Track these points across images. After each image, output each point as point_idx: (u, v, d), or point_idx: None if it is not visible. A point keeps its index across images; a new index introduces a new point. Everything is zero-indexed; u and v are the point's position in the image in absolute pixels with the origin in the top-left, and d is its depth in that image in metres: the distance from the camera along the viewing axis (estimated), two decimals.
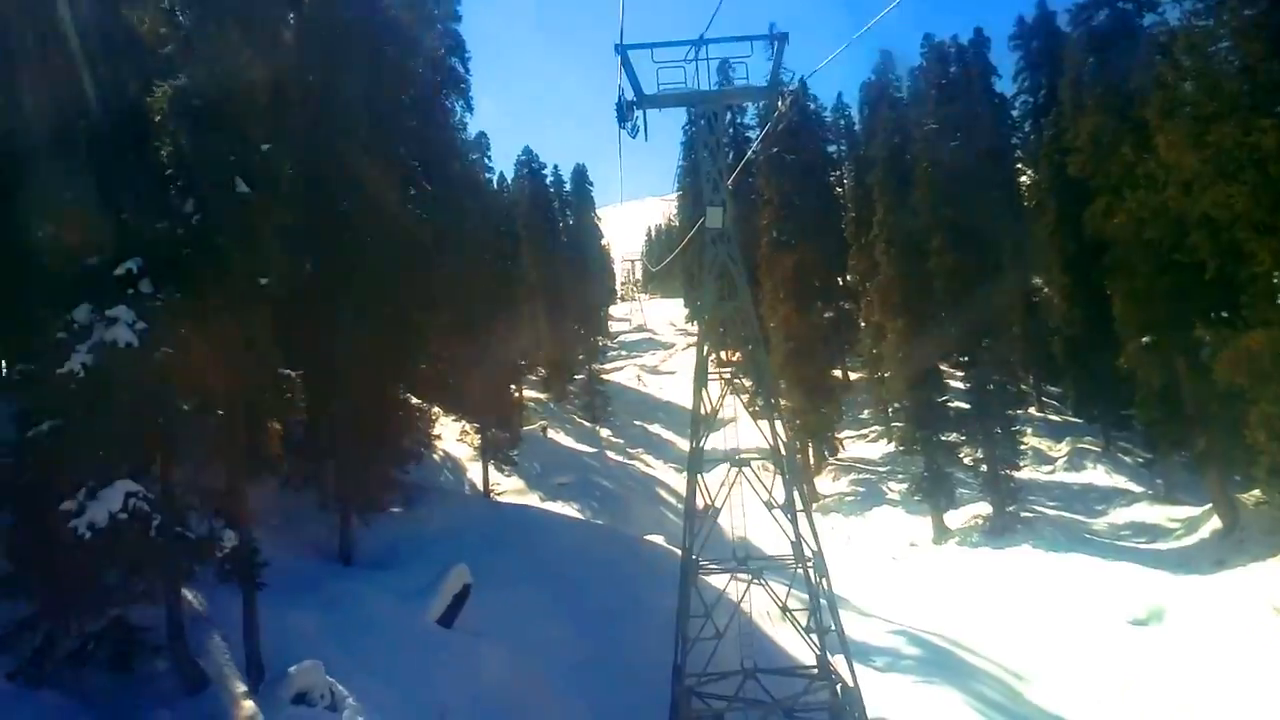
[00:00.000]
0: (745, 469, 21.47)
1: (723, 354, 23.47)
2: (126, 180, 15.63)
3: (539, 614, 22.04)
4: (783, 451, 20.96)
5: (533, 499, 36.22)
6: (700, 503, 21.59)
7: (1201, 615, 32.05)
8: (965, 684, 25.61)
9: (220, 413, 15.42)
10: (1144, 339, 41.72)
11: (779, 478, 21.45)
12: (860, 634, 29.44)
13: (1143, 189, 31.50)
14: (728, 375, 22.27)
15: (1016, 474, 43.17)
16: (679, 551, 29.53)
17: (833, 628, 20.24)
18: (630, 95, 19.99)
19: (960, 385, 49.60)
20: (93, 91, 16.40)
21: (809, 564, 20.31)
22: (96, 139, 16.08)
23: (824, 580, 20.30)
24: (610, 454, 59.11)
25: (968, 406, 45.03)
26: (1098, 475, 48.10)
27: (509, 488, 35.86)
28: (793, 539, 20.55)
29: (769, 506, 20.82)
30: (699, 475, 21.14)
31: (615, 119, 20.15)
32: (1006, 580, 37.17)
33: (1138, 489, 46.05)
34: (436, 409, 32.02)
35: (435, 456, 36.21)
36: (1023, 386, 45.23)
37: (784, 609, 20.91)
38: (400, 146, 28.34)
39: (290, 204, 18.80)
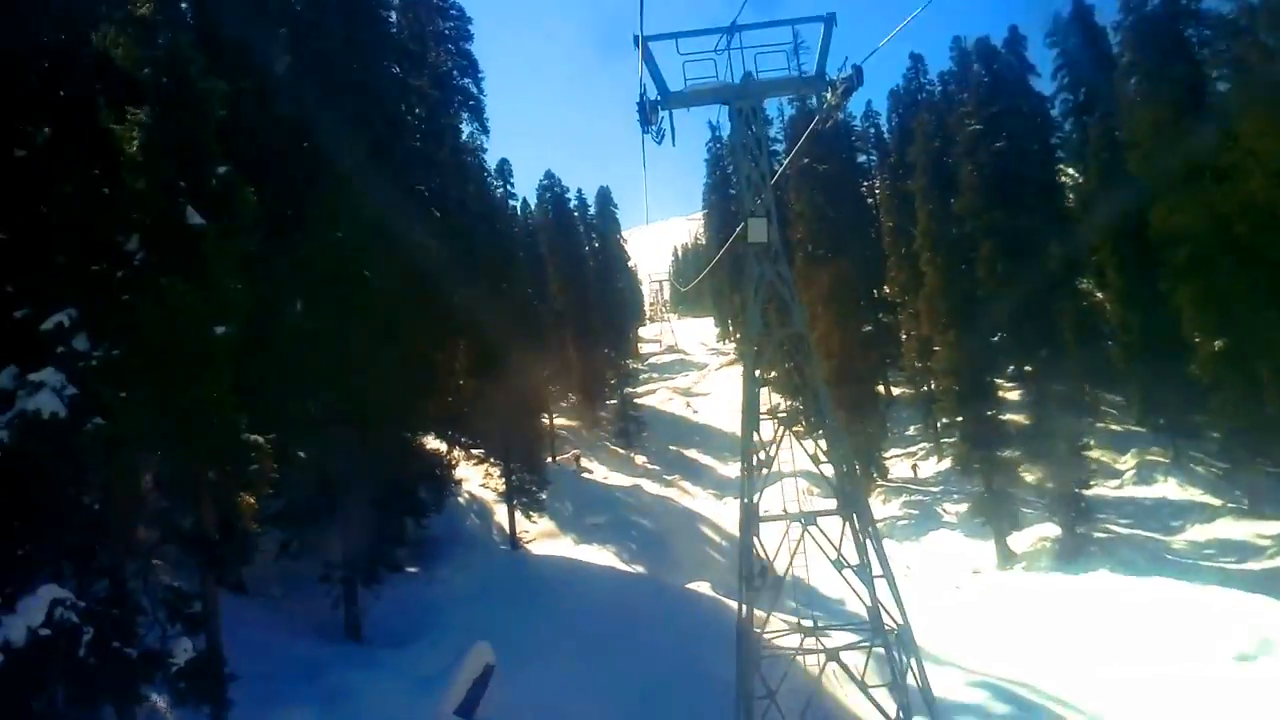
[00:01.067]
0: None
1: (769, 383, 20.24)
2: (63, 215, 12.91)
3: (573, 692, 18.93)
4: (855, 504, 17.69)
5: (565, 543, 33.12)
6: (757, 558, 18.38)
7: None
8: None
9: (173, 492, 12.56)
10: (1217, 343, 38.30)
11: (846, 526, 18.16)
12: (937, 686, 26.01)
13: (1228, 180, 28.04)
14: (783, 415, 18.98)
15: (1085, 491, 39.52)
16: (730, 602, 26.33)
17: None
18: (654, 94, 17.01)
19: (1016, 398, 46.12)
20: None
21: (894, 636, 16.99)
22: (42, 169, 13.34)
23: (912, 659, 16.93)
24: (647, 485, 55.96)
25: (1027, 422, 41.56)
26: (1170, 489, 44.22)
27: (539, 531, 32.85)
28: (869, 604, 17.24)
29: (839, 566, 17.47)
30: (755, 536, 17.88)
31: (638, 123, 17.20)
32: (1087, 611, 33.48)
33: (1216, 502, 42.17)
34: (458, 451, 29.12)
35: (460, 499, 33.30)
36: (1085, 398, 41.63)
37: (861, 686, 17.48)
38: (406, 169, 25.62)
39: (264, 235, 16.03)
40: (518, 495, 28.84)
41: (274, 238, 17.66)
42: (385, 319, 21.44)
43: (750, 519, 17.48)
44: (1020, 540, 41.11)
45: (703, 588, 26.64)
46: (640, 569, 30.92)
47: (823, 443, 18.35)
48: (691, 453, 64.92)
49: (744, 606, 17.91)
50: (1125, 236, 44.18)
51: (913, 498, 49.49)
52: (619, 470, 61.86)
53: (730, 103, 16.81)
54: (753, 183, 16.82)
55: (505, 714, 17.29)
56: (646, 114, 16.96)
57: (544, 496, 29.68)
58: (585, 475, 61.09)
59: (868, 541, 17.15)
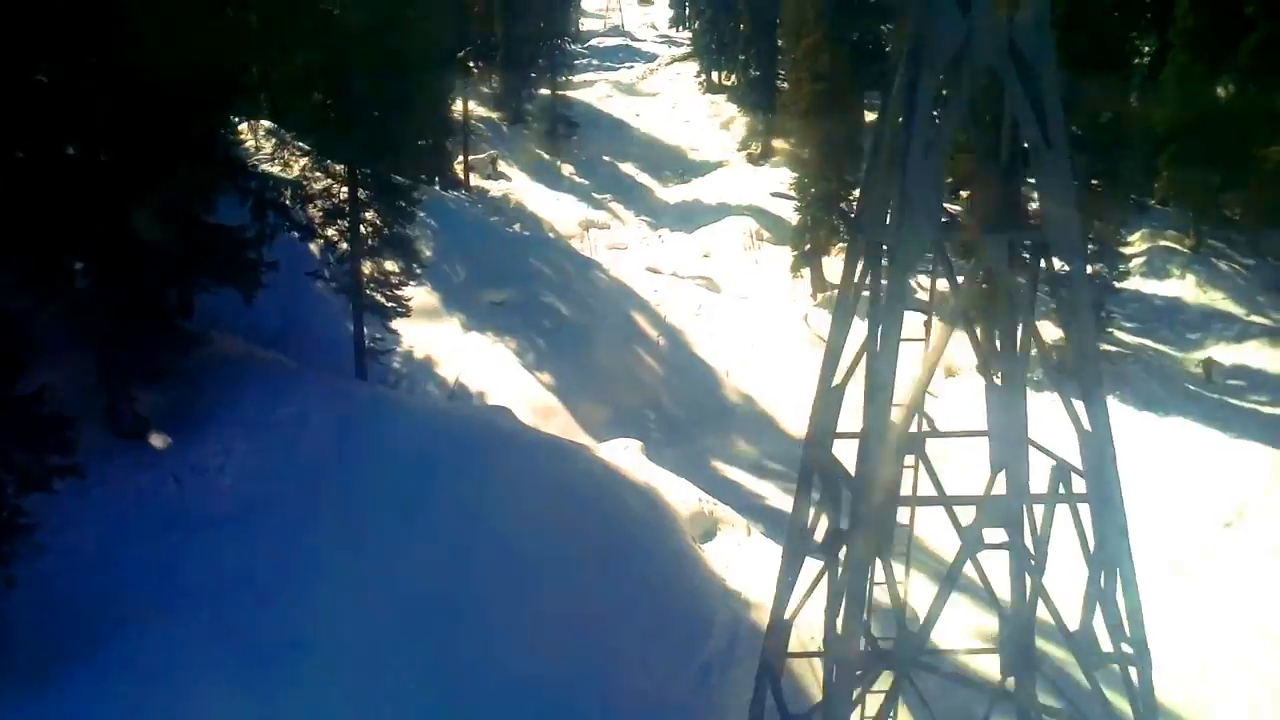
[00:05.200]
0: None
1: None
2: None
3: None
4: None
5: (450, 330, 23.29)
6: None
7: None
8: None
9: None
10: None
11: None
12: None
13: None
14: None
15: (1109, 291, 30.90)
16: (674, 499, 16.70)
17: None
18: None
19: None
20: None
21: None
22: None
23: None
24: (571, 208, 45.73)
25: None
26: (1187, 289, 35.83)
27: (417, 307, 22.94)
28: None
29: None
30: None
31: None
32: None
33: (1241, 312, 34.18)
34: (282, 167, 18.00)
35: (313, 247, 22.74)
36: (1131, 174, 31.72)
37: None
38: None
39: None
40: (372, 289, 18.25)
41: None
42: None
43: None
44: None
45: (629, 455, 17.52)
46: (547, 383, 21.71)
47: None
48: (628, 167, 53.95)
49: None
50: None
51: (884, 262, 40.35)
52: (540, 180, 51.16)
53: None
54: None
55: None
56: None
57: (407, 292, 19.22)
58: (501, 179, 50.56)
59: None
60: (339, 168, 17.68)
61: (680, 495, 16.13)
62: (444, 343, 22.73)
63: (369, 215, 18.05)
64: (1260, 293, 35.19)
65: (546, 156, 54.26)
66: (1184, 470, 25.19)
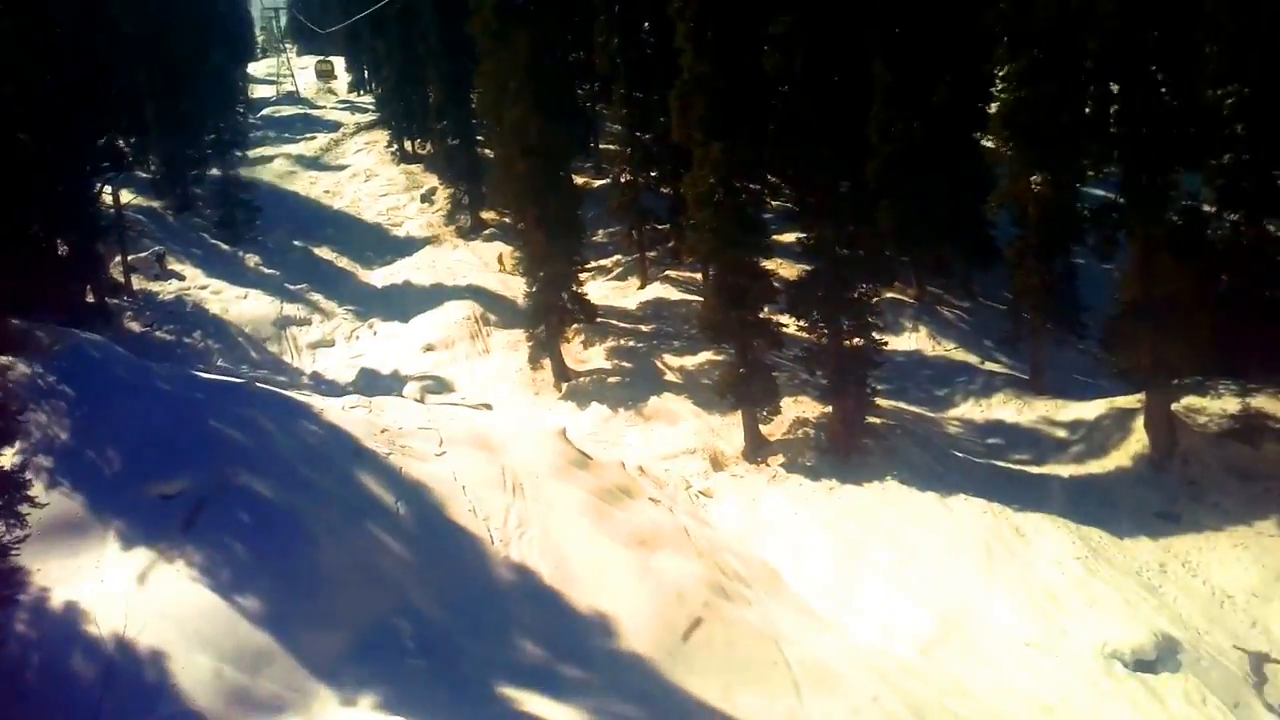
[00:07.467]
0: None
1: None
2: None
3: None
4: None
5: (102, 548, 16.18)
6: None
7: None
8: None
9: None
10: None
11: None
12: None
13: None
14: None
15: (873, 366, 28.95)
16: None
17: None
18: None
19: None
20: None
21: None
22: None
23: None
24: (258, 305, 38.56)
25: (802, 272, 29.63)
26: (922, 341, 35.32)
27: (53, 520, 15.90)
28: None
29: None
30: None
31: None
32: (895, 564, 23.48)
33: (976, 361, 33.88)
34: None
35: None
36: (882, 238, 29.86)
37: None
38: None
39: None
40: None
41: None
42: None
43: None
44: (775, 423, 30.24)
45: None
46: (253, 610, 15.33)
47: None
48: (323, 251, 46.91)
49: None
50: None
51: (622, 342, 36.89)
52: (220, 275, 43.11)
53: None
54: None
55: None
56: None
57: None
58: (172, 279, 42.13)
59: None
60: None
61: None
62: (93, 574, 15.67)
63: None
64: (985, 337, 35.34)
65: (226, 247, 46.05)
66: (986, 555, 23.38)
